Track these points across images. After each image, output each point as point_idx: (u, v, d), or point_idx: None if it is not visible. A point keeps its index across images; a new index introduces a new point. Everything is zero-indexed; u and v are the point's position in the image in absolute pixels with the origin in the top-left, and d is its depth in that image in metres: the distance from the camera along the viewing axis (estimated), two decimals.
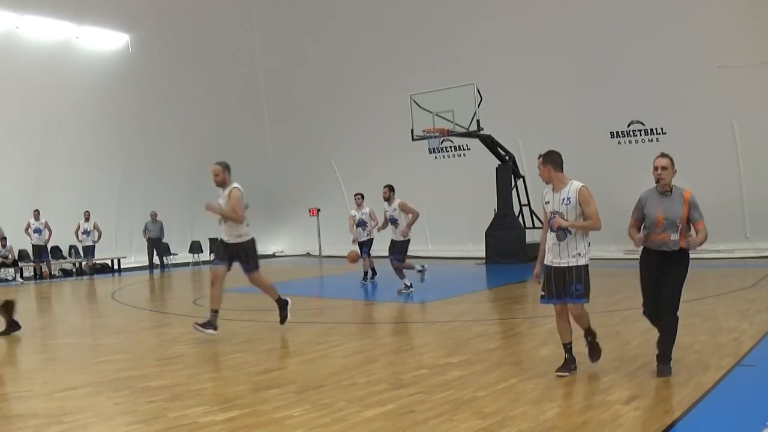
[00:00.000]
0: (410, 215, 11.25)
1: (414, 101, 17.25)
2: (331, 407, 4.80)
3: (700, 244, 5.26)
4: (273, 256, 25.34)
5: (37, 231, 18.28)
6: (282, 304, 8.27)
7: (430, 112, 16.90)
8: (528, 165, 17.53)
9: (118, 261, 20.52)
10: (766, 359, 5.90)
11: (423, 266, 11.50)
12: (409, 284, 11.32)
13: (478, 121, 16.32)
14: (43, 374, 6.27)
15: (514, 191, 17.58)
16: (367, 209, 12.93)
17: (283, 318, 8.24)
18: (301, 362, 6.43)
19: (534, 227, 17.20)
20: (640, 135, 16.86)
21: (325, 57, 22.17)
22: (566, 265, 5.30)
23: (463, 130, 16.60)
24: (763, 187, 15.18)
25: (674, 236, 5.20)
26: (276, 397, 5.15)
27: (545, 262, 5.45)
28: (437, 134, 16.86)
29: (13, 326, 8.61)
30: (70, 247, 20.07)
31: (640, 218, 5.40)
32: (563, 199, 5.32)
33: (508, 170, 17.36)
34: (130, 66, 20.53)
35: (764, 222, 15.30)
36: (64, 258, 19.95)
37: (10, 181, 18.51)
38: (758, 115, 15.27)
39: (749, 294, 9.81)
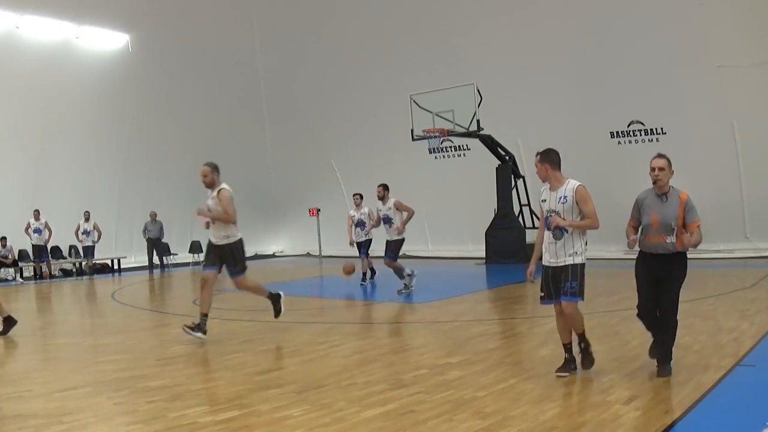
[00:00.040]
0: (405, 213, 11.26)
1: (414, 101, 17.25)
2: (331, 407, 4.81)
3: (695, 245, 5.19)
4: (273, 256, 25.35)
5: (37, 231, 18.28)
6: (274, 299, 8.17)
7: (430, 112, 16.89)
8: (528, 165, 17.54)
9: (118, 261, 20.51)
10: (766, 359, 5.90)
11: (412, 271, 11.48)
12: (407, 283, 11.32)
13: (478, 121, 16.31)
14: (43, 374, 6.28)
15: (514, 191, 17.58)
16: (365, 209, 12.93)
17: (278, 311, 8.16)
18: (301, 362, 6.43)
19: (534, 227, 17.20)
20: (640, 135, 16.86)
21: (325, 57, 22.17)
22: (563, 264, 5.28)
23: (463, 130, 16.60)
24: (763, 187, 15.17)
25: (670, 238, 5.16)
26: (276, 397, 5.15)
27: (543, 263, 5.43)
28: (437, 134, 16.86)
29: (9, 323, 8.58)
30: (70, 247, 20.07)
31: (637, 218, 5.37)
32: (560, 198, 5.29)
33: (508, 170, 17.36)
34: (130, 66, 20.53)
35: (764, 222, 15.30)
36: (64, 258, 19.95)
37: (10, 181, 18.51)
38: (758, 115, 15.27)
39: (749, 294, 9.81)
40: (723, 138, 15.57)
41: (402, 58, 20.13)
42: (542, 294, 5.45)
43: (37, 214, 18.24)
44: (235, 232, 7.74)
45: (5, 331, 8.49)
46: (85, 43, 20.13)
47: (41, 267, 18.73)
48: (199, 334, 7.47)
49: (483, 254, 17.75)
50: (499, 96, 17.29)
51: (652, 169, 5.23)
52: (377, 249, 13.16)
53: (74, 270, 19.86)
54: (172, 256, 21.43)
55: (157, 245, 20.33)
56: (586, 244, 5.35)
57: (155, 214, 20.09)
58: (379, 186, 11.66)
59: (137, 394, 5.40)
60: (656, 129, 16.66)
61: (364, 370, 6.04)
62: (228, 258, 7.67)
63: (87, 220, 18.93)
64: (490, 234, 17.45)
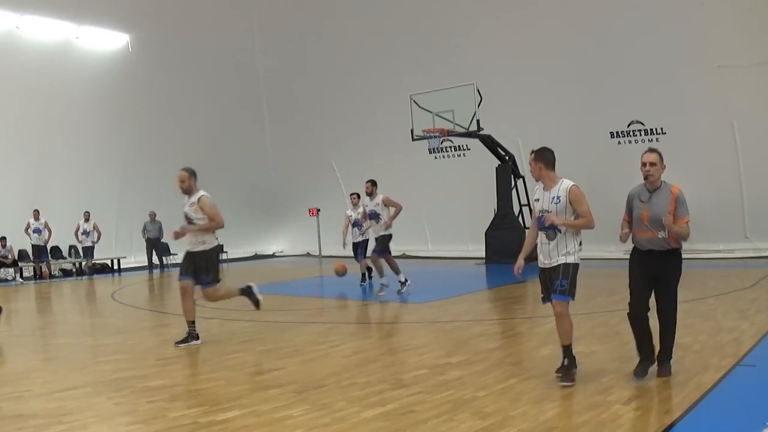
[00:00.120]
0: (393, 209, 11.28)
1: (414, 101, 17.25)
2: (331, 407, 4.81)
3: (679, 236, 5.06)
4: (273, 256, 25.36)
5: (37, 231, 18.28)
6: (247, 292, 7.92)
7: (430, 112, 16.89)
8: (528, 165, 17.52)
9: (118, 261, 20.52)
10: (766, 359, 5.90)
11: (406, 281, 11.38)
12: (404, 280, 11.31)
13: (478, 121, 16.31)
14: (43, 374, 6.28)
15: (514, 191, 17.58)
16: (362, 209, 12.92)
17: (256, 302, 7.94)
18: (301, 362, 6.43)
19: None
20: (640, 135, 16.86)
21: (325, 57, 22.18)
22: (555, 263, 5.19)
23: (463, 130, 16.60)
24: (763, 187, 15.17)
25: (662, 233, 5.07)
26: (276, 397, 5.15)
27: (538, 265, 5.37)
28: (437, 134, 16.85)
29: None
30: (70, 247, 20.07)
31: (630, 214, 5.30)
32: (553, 198, 5.20)
33: (508, 170, 17.36)
34: (130, 66, 20.53)
35: (764, 222, 15.29)
36: (64, 258, 19.95)
37: (10, 181, 18.52)
38: (758, 115, 15.26)
39: (749, 294, 9.80)
40: (723, 138, 15.57)
41: (402, 58, 20.13)
42: (542, 295, 5.44)
43: (36, 214, 18.24)
44: (213, 239, 7.54)
45: None
46: (85, 43, 20.13)
47: (41, 267, 18.74)
48: (194, 342, 7.44)
49: (483, 254, 17.75)
50: (499, 96, 17.29)
51: (643, 164, 5.13)
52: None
53: (74, 270, 19.86)
54: (171, 256, 21.41)
55: (156, 245, 20.33)
56: (581, 244, 5.25)
57: (154, 214, 20.09)
58: (367, 182, 11.65)
59: (137, 394, 5.40)
60: (656, 129, 16.66)
61: (364, 370, 6.04)
62: (201, 266, 7.41)
63: (87, 220, 18.93)
64: (490, 234, 17.45)
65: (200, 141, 22.07)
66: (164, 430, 4.44)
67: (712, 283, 11.14)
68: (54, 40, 19.36)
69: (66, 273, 19.84)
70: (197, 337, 7.50)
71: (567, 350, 5.24)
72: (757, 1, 15.07)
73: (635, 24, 16.13)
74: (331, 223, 22.34)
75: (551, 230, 5.20)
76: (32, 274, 18.88)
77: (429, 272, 16.56)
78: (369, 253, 13.10)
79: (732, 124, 15.54)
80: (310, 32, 22.17)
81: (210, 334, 7.99)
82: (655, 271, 5.15)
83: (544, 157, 5.29)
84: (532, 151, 5.40)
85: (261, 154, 24.41)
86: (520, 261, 5.51)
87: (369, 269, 13.27)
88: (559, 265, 5.16)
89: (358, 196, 13.01)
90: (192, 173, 7.61)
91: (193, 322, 7.54)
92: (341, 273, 11.99)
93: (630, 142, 17.05)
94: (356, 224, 12.83)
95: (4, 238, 17.87)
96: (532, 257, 5.49)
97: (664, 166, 5.15)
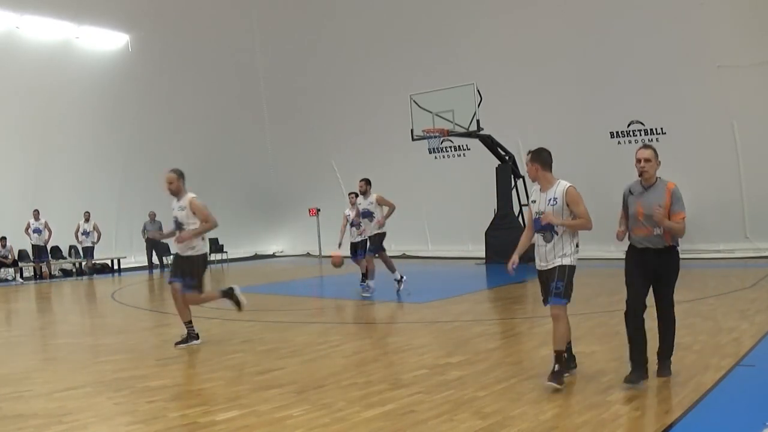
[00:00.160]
0: (387, 208, 11.27)
1: (414, 101, 17.25)
2: (331, 407, 4.81)
3: (674, 231, 4.98)
4: (273, 256, 25.37)
5: (37, 231, 18.28)
6: (228, 294, 7.76)
7: (430, 112, 16.89)
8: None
9: (118, 261, 20.52)
10: (766, 359, 5.90)
11: (402, 277, 11.47)
12: (400, 277, 11.32)
13: (478, 121, 16.31)
14: (43, 374, 6.28)
15: (514, 191, 17.58)
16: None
17: (238, 303, 7.76)
18: (301, 362, 6.43)
19: None
20: (640, 135, 16.85)
21: (325, 57, 22.18)
22: (552, 266, 5.14)
23: (463, 130, 16.60)
24: (763, 187, 15.17)
25: (657, 230, 5.00)
26: (276, 397, 5.16)
27: (536, 268, 5.31)
28: (437, 134, 16.85)
29: None
30: (70, 247, 20.06)
31: (626, 211, 5.23)
32: (549, 200, 5.13)
33: (508, 170, 17.36)
34: (130, 66, 20.53)
35: (764, 222, 15.29)
36: (64, 258, 19.95)
37: (10, 181, 18.52)
38: (758, 115, 15.26)
39: (749, 294, 9.80)
40: (723, 138, 15.57)
41: (402, 58, 20.13)
42: (542, 297, 5.40)
43: (36, 214, 18.24)
44: (202, 246, 7.50)
45: None
46: (85, 43, 20.12)
47: (41, 267, 18.74)
48: (194, 342, 7.43)
49: (483, 254, 17.75)
50: (499, 96, 17.29)
51: (638, 161, 5.06)
52: None
53: (74, 270, 19.86)
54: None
55: (156, 245, 20.33)
56: (577, 246, 5.19)
57: (154, 214, 20.08)
58: (361, 180, 11.64)
59: (137, 394, 5.40)
60: (656, 129, 16.66)
61: (364, 370, 6.04)
62: (186, 270, 7.38)
63: (87, 220, 18.93)
64: (490, 234, 17.45)
65: (200, 141, 22.08)
66: (164, 430, 4.44)
67: (712, 283, 11.14)
68: (54, 40, 19.35)
69: (66, 273, 19.84)
70: (197, 337, 7.50)
71: (559, 356, 5.10)
72: (757, 1, 15.07)
73: (635, 24, 16.13)
74: (331, 223, 22.32)
75: (548, 231, 5.14)
76: (32, 274, 18.88)
77: (429, 272, 16.56)
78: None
79: (732, 124, 15.54)
80: (310, 32, 22.16)
81: (210, 334, 7.98)
82: (652, 270, 5.08)
83: (541, 158, 5.22)
84: (529, 152, 5.34)
85: (261, 154, 24.41)
86: (515, 258, 5.44)
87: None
88: (555, 267, 5.12)
89: (356, 195, 12.98)
90: (180, 174, 7.53)
91: (190, 322, 7.52)
92: (338, 264, 11.97)
93: (630, 142, 17.04)
94: (355, 224, 12.80)
95: (4, 238, 17.88)
96: (530, 257, 5.46)
97: (659, 162, 5.09)
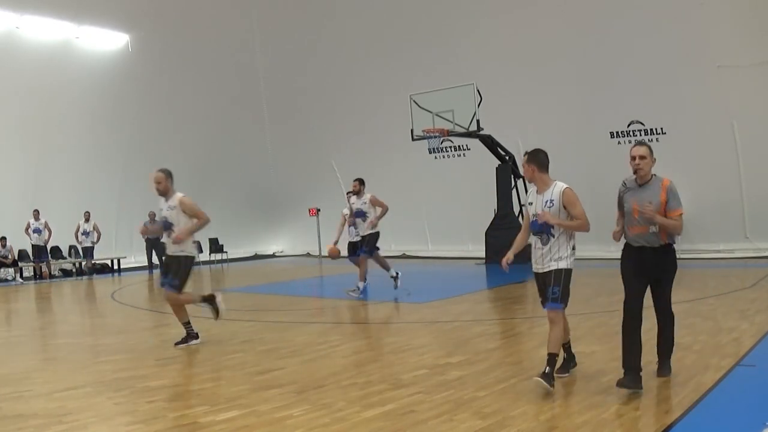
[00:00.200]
0: (380, 209, 11.23)
1: (414, 101, 17.25)
2: (331, 407, 4.81)
3: (671, 229, 4.88)
4: (273, 256, 25.37)
5: (37, 231, 18.29)
6: (209, 300, 7.62)
7: (430, 112, 16.89)
8: None
9: (118, 261, 20.52)
10: (766, 359, 5.90)
11: (397, 273, 11.52)
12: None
13: (478, 121, 16.31)
14: (43, 374, 6.28)
15: (514, 191, 17.59)
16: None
17: (216, 312, 7.60)
18: (301, 362, 6.43)
19: None
20: (640, 135, 16.85)
21: (325, 57, 22.19)
22: (548, 269, 5.10)
23: (463, 130, 16.60)
24: (763, 187, 15.17)
25: (653, 228, 4.90)
26: (276, 397, 5.16)
27: (533, 270, 5.27)
28: (437, 134, 16.85)
29: None
30: (70, 247, 20.07)
31: (622, 210, 5.13)
32: (546, 202, 5.07)
33: (508, 170, 17.36)
34: (130, 66, 20.53)
35: (764, 222, 15.29)
36: (64, 258, 19.95)
37: (10, 181, 18.52)
38: (758, 115, 15.27)
39: (749, 294, 9.80)
40: (723, 138, 15.57)
41: (402, 58, 20.14)
42: (540, 299, 5.37)
43: (36, 214, 18.24)
44: (192, 249, 7.50)
45: None
46: (85, 43, 20.13)
47: (41, 267, 18.74)
48: (193, 341, 7.43)
49: (483, 254, 17.75)
50: (499, 96, 17.29)
51: (633, 158, 4.94)
52: None
53: (74, 270, 19.86)
54: None
55: (156, 245, 20.28)
56: (573, 249, 5.13)
57: (154, 214, 19.98)
58: (355, 180, 11.61)
59: (137, 394, 5.40)
60: (656, 129, 16.66)
61: (364, 370, 6.04)
62: (172, 268, 7.36)
63: (87, 220, 18.93)
64: (490, 234, 17.45)
65: (200, 141, 22.08)
66: (164, 430, 4.44)
67: (712, 283, 11.13)
68: (54, 40, 19.36)
69: (66, 273, 19.84)
70: (196, 336, 7.49)
71: (551, 359, 5.00)
72: (757, 1, 15.07)
73: (635, 24, 16.14)
74: (331, 223, 22.28)
75: (545, 234, 5.09)
76: (32, 274, 18.88)
77: (429, 272, 16.56)
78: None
79: (732, 124, 15.54)
80: (310, 32, 22.17)
81: (210, 334, 7.98)
82: (649, 269, 4.98)
83: (538, 159, 5.15)
84: (525, 153, 5.29)
85: (261, 154, 24.41)
86: (509, 255, 5.41)
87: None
88: (551, 271, 5.07)
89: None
90: (169, 174, 7.47)
91: (188, 323, 7.51)
92: (335, 256, 11.96)
93: (630, 142, 17.02)
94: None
95: (4, 238, 17.88)
96: (530, 257, 5.41)
97: (654, 160, 4.99)
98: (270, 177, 24.71)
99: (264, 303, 11.51)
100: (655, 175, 5.01)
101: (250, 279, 16.79)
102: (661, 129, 16.56)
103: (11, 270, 18.34)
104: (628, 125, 17.11)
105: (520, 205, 17.78)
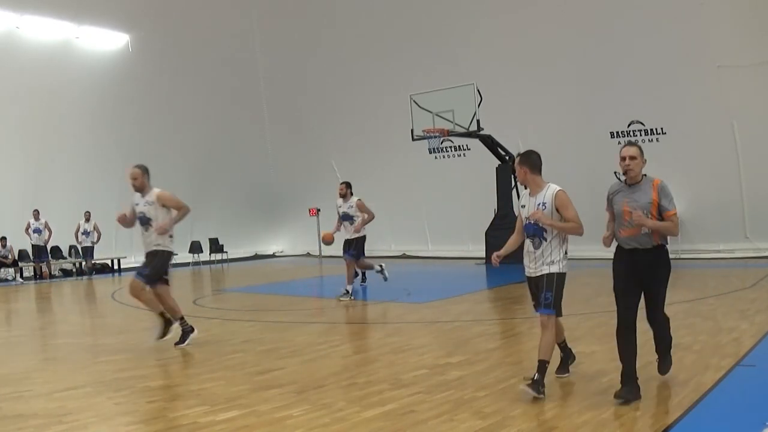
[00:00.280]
0: (365, 215, 11.12)
1: (414, 101, 17.25)
2: (331, 407, 4.81)
3: (662, 229, 4.73)
4: (273, 256, 25.37)
5: (37, 231, 18.28)
6: (167, 322, 7.31)
7: (430, 112, 16.90)
8: None
9: (118, 261, 20.51)
10: (766, 359, 5.90)
11: (381, 265, 11.67)
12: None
13: (478, 121, 16.32)
14: (43, 374, 6.28)
15: (514, 191, 17.58)
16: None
17: (162, 335, 7.26)
18: (301, 362, 6.43)
19: None
20: (640, 135, 16.86)
21: (325, 57, 22.19)
22: (540, 273, 5.02)
23: (463, 130, 16.60)
24: (763, 187, 15.18)
25: (644, 229, 4.75)
26: (276, 397, 5.15)
27: (526, 273, 5.21)
28: (437, 134, 16.86)
29: None
30: (70, 247, 20.06)
31: (612, 213, 4.97)
32: (539, 204, 4.98)
33: (508, 170, 17.35)
34: (130, 66, 20.54)
35: (764, 222, 15.30)
36: (64, 258, 19.95)
37: (10, 181, 18.51)
38: (758, 115, 15.27)
39: (749, 294, 9.81)
40: (723, 138, 15.57)
41: (402, 58, 20.14)
42: (533, 303, 5.29)
43: (37, 214, 18.24)
44: (169, 244, 7.42)
45: None
46: (85, 43, 20.13)
47: (41, 267, 18.74)
48: (190, 336, 7.38)
49: (483, 254, 17.75)
50: (499, 96, 17.30)
51: (623, 159, 4.77)
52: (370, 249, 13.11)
53: (74, 270, 19.86)
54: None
55: None
56: (566, 253, 5.06)
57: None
58: (341, 183, 11.55)
59: (137, 394, 5.40)
60: (656, 129, 16.66)
61: (364, 370, 6.04)
62: (148, 260, 7.28)
63: (87, 220, 18.92)
64: (490, 234, 17.44)
65: (200, 141, 22.09)
66: (164, 430, 4.44)
67: (712, 283, 11.14)
68: (54, 40, 19.36)
69: (66, 273, 19.83)
70: (192, 329, 7.43)
71: (542, 366, 4.88)
72: (757, 1, 15.08)
73: (635, 24, 16.14)
74: (331, 223, 22.29)
75: (537, 237, 5.02)
76: (32, 274, 18.88)
77: (429, 272, 16.57)
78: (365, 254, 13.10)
79: (732, 124, 15.54)
80: (311, 32, 22.17)
81: (210, 334, 7.98)
82: (641, 271, 4.80)
83: (530, 161, 5.06)
84: (518, 155, 5.21)
85: (261, 154, 24.42)
86: (501, 251, 5.33)
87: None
88: (543, 275, 4.99)
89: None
90: (145, 170, 7.45)
91: (182, 318, 7.47)
92: (328, 242, 11.94)
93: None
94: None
95: (4, 238, 17.87)
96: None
97: (645, 161, 4.84)
98: (270, 177, 24.71)
99: (264, 303, 11.51)
100: (645, 175, 4.86)
101: (250, 279, 16.79)
102: (661, 129, 16.56)
103: (11, 270, 18.33)
104: (628, 125, 17.11)
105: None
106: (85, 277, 18.86)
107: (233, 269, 20.49)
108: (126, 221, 7.49)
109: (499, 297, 11.56)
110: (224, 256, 22.63)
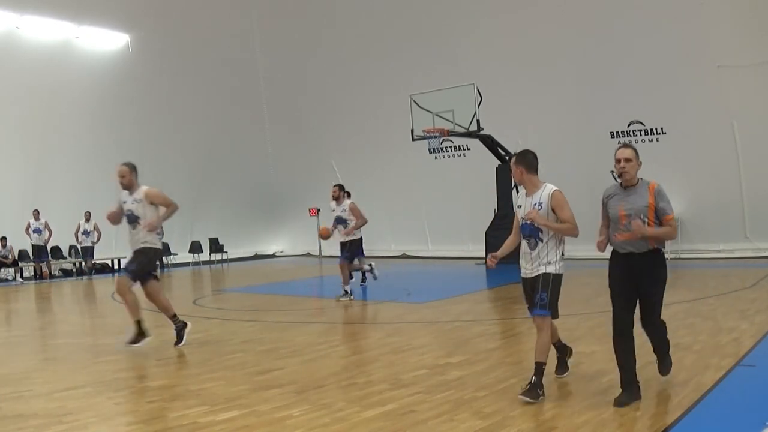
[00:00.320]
0: (357, 220, 11.07)
1: (414, 101, 17.25)
2: (331, 407, 4.81)
3: (660, 236, 4.66)
4: (273, 256, 25.37)
5: (37, 231, 18.27)
6: (141, 331, 7.20)
7: (430, 112, 16.89)
8: None
9: (118, 261, 20.47)
10: (766, 359, 5.90)
11: (371, 264, 11.81)
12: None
13: (478, 121, 16.31)
14: (43, 374, 6.27)
15: (514, 191, 17.57)
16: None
17: (134, 341, 7.15)
18: (301, 362, 6.43)
19: None
20: (640, 135, 16.86)
21: (325, 57, 22.19)
22: (536, 274, 4.94)
23: (463, 130, 16.60)
24: (763, 187, 15.18)
25: None
26: (276, 397, 5.16)
27: (521, 274, 5.15)
28: (437, 134, 16.85)
29: None
30: (70, 247, 20.06)
31: (607, 217, 4.89)
32: (534, 204, 4.92)
33: (508, 170, 17.33)
34: (130, 66, 20.54)
35: (764, 222, 15.30)
36: (64, 258, 19.95)
37: (10, 181, 18.51)
38: (758, 115, 15.27)
39: (749, 294, 9.80)
40: (723, 138, 15.58)
41: (402, 58, 20.14)
42: (527, 305, 5.21)
43: (36, 214, 18.24)
44: (155, 241, 7.37)
45: None
46: (85, 43, 20.13)
47: (41, 267, 18.74)
48: (185, 331, 7.36)
49: (483, 254, 17.71)
50: (499, 96, 17.30)
51: (618, 161, 4.69)
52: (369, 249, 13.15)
53: (74, 270, 19.86)
54: (171, 256, 21.42)
55: None
56: (563, 255, 5.01)
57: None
58: (334, 186, 11.50)
59: (137, 394, 5.40)
60: (656, 129, 16.66)
61: (364, 370, 6.04)
62: (136, 255, 7.23)
63: (88, 220, 18.91)
64: (490, 234, 17.42)
65: (200, 141, 22.09)
66: (164, 430, 4.44)
67: (712, 283, 11.14)
68: (54, 40, 19.36)
69: (66, 273, 19.84)
70: (185, 324, 7.40)
71: (539, 368, 4.83)
72: (757, 1, 15.08)
73: (635, 24, 16.14)
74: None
75: (533, 238, 4.97)
76: (32, 274, 18.87)
77: (429, 272, 16.57)
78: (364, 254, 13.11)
79: (732, 124, 15.54)
80: (310, 32, 22.17)
81: (210, 334, 7.99)
82: (637, 275, 4.73)
83: (526, 161, 5.01)
84: (514, 154, 5.18)
85: (261, 154, 24.43)
86: (498, 253, 5.27)
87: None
88: (539, 275, 4.91)
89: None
90: (133, 168, 7.42)
91: (175, 315, 7.45)
92: (325, 237, 11.94)
93: (630, 142, 17.04)
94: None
95: (4, 238, 17.87)
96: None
97: (640, 163, 4.77)
98: (270, 177, 24.72)
99: (264, 303, 11.51)
100: (641, 178, 4.79)
101: (250, 279, 16.79)
102: (661, 129, 16.56)
103: (11, 270, 18.34)
104: (628, 125, 17.11)
105: None
106: (85, 277, 18.86)
107: (233, 269, 20.49)
108: (114, 217, 7.45)
109: (499, 297, 11.56)
110: (224, 256, 22.64)
